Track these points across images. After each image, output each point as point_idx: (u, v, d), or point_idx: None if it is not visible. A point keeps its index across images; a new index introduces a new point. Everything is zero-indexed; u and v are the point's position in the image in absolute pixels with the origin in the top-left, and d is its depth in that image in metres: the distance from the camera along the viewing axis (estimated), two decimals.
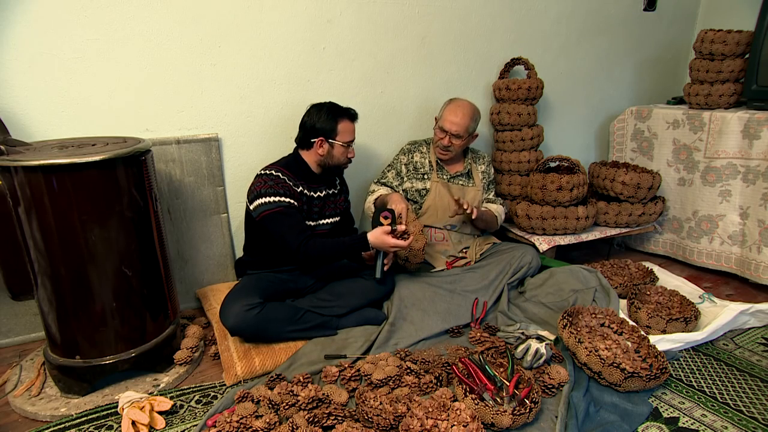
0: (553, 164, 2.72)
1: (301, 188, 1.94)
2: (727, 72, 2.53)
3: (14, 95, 1.81)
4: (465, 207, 2.12)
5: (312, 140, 1.94)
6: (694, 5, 3.37)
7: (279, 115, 2.26)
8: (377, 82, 2.46)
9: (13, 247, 1.54)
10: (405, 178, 2.36)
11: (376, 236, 1.85)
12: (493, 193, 2.52)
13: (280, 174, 1.90)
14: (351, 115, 1.99)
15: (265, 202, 1.83)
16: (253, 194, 1.86)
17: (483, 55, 2.71)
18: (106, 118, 1.96)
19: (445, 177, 2.35)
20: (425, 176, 2.34)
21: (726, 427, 1.47)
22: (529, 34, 2.80)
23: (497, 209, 2.43)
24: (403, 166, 2.36)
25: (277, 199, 1.84)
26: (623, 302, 2.15)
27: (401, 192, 2.34)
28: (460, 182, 2.38)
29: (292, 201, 1.87)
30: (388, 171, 2.39)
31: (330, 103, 1.98)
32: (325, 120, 1.93)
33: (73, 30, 1.83)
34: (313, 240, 1.85)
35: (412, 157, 2.37)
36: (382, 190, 2.32)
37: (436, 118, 2.33)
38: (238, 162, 2.25)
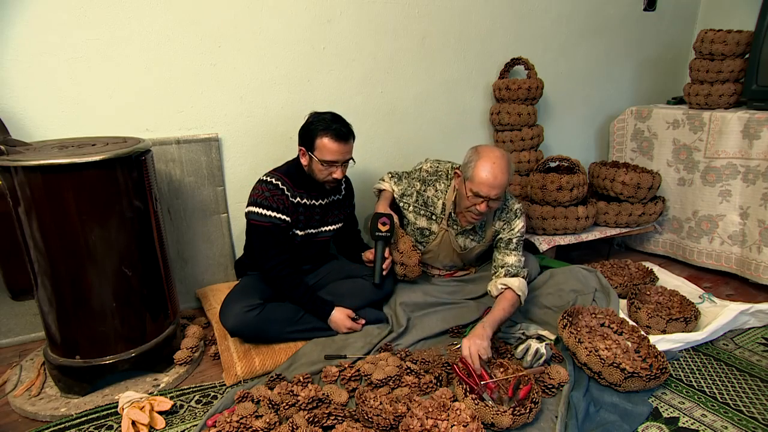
0: (553, 164, 2.72)
1: (299, 199, 1.90)
2: (727, 72, 2.53)
3: (14, 95, 1.81)
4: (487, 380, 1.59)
5: (299, 147, 1.88)
6: (694, 5, 3.37)
7: (279, 115, 2.26)
8: (377, 82, 2.46)
9: (13, 247, 1.54)
10: (411, 208, 2.09)
11: (339, 316, 1.89)
12: (516, 256, 1.93)
13: (279, 183, 1.87)
14: (337, 133, 1.77)
15: (256, 212, 1.83)
16: (249, 199, 1.87)
17: (483, 55, 2.71)
18: (106, 118, 1.96)
19: (454, 229, 2.04)
20: (433, 217, 2.06)
21: (726, 427, 1.47)
22: (529, 34, 2.80)
23: (519, 286, 1.82)
24: (415, 193, 2.08)
25: (268, 213, 1.82)
26: (623, 302, 2.15)
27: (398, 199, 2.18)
28: (470, 237, 2.06)
29: (283, 217, 1.84)
30: (405, 178, 2.14)
31: (327, 113, 1.84)
32: (307, 130, 1.83)
33: (73, 30, 1.83)
34: (288, 272, 1.85)
35: (425, 190, 2.05)
36: (387, 187, 2.17)
37: (457, 172, 1.90)
38: (238, 162, 2.25)
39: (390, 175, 2.21)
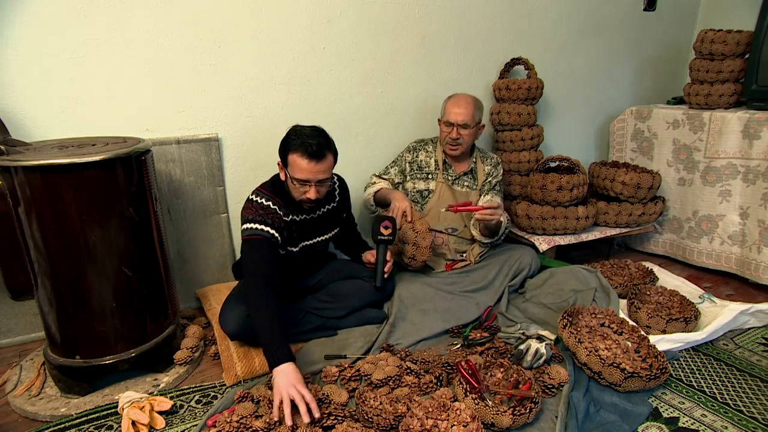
0: (553, 164, 2.72)
1: (291, 216, 1.84)
2: (727, 72, 2.53)
3: (14, 95, 1.81)
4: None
5: (278, 161, 1.80)
6: (694, 5, 3.37)
7: (279, 115, 2.26)
8: (377, 82, 2.46)
9: (13, 247, 1.54)
10: (408, 177, 2.32)
11: (291, 373, 1.41)
12: (500, 197, 2.36)
13: (270, 203, 1.77)
14: (308, 151, 1.65)
15: (249, 228, 1.73)
16: (242, 218, 1.77)
17: (483, 55, 2.71)
18: (106, 118, 1.96)
19: (450, 177, 2.31)
20: (429, 176, 2.30)
21: (726, 427, 1.47)
22: (529, 34, 2.80)
23: (506, 218, 2.23)
24: (407, 165, 2.33)
25: (260, 227, 1.72)
26: (623, 302, 2.15)
27: (402, 191, 2.30)
28: (465, 183, 2.33)
29: (273, 233, 1.74)
30: (391, 167, 2.36)
31: (308, 127, 1.73)
32: (283, 143, 1.73)
33: (73, 30, 1.83)
34: (263, 292, 1.59)
35: (417, 156, 2.33)
36: (383, 184, 2.28)
37: (439, 119, 2.30)
38: (238, 162, 2.25)
39: (377, 175, 2.36)
